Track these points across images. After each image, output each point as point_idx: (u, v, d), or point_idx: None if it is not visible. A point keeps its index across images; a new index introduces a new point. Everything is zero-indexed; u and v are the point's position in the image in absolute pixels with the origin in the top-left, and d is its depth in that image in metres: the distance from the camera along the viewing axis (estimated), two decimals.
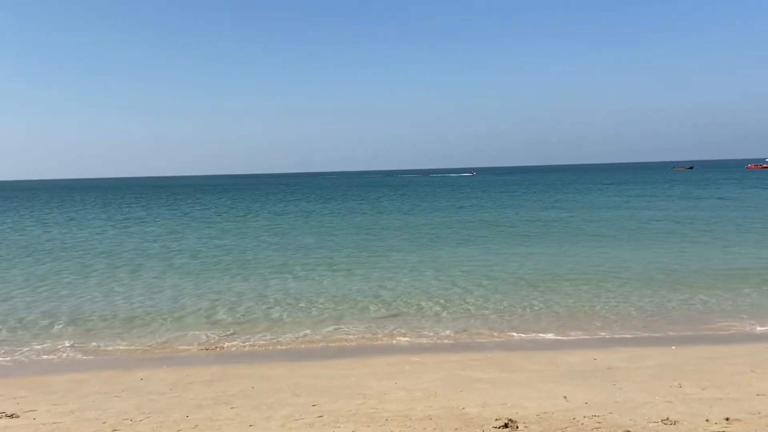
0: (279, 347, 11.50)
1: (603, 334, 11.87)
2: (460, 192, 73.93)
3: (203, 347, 11.52)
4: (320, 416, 7.09)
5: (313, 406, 7.54)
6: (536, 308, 13.77)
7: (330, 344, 11.62)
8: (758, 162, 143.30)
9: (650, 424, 6.44)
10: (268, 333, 12.34)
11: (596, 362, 9.63)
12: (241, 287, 16.76)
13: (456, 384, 8.45)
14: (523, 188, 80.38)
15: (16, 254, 24.83)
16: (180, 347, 11.59)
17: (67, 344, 11.70)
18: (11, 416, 7.42)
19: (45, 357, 11.05)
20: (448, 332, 12.13)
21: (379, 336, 12.05)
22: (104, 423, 7.11)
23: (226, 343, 11.71)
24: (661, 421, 6.52)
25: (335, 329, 12.50)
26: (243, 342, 11.79)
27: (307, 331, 12.36)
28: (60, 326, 13.00)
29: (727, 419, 6.51)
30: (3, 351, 11.36)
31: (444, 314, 13.51)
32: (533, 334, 11.88)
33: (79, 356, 11.09)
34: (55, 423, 7.17)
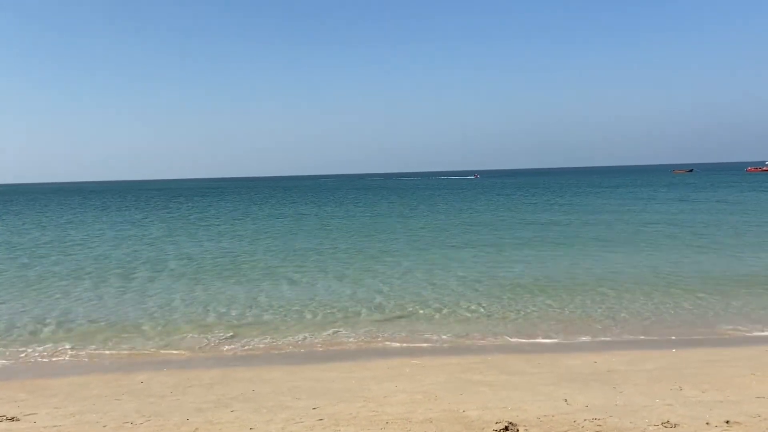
0: (278, 350, 11.50)
1: (603, 337, 11.88)
2: (461, 195, 73.96)
3: (203, 350, 11.52)
4: (320, 419, 7.10)
5: (314, 409, 7.54)
6: (536, 311, 13.78)
7: (329, 347, 11.63)
8: (758, 165, 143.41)
9: (650, 427, 6.45)
10: (267, 336, 12.35)
11: (596, 365, 9.64)
12: (240, 290, 16.76)
13: (456, 387, 8.45)
14: (522, 191, 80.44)
15: (15, 257, 24.80)
16: (180, 350, 11.59)
17: (68, 347, 11.70)
18: (12, 419, 7.42)
19: (45, 360, 11.05)
20: (447, 335, 12.15)
21: (379, 339, 12.05)
22: (105, 426, 7.12)
23: (226, 347, 11.72)
24: (662, 424, 6.53)
25: (334, 332, 12.51)
26: (243, 345, 11.80)
27: (306, 334, 12.37)
28: (60, 329, 12.99)
29: (727, 422, 6.52)
30: (3, 354, 11.35)
31: (443, 317, 13.52)
32: (533, 337, 11.90)
33: (79, 359, 11.08)
34: (55, 426, 7.17)
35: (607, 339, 11.72)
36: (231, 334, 12.50)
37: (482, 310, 14.01)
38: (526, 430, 6.45)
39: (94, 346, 11.77)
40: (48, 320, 13.78)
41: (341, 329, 12.74)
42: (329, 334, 12.37)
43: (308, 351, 11.43)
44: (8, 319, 14.02)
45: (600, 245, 24.08)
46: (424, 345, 11.59)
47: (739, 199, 50.36)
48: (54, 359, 11.09)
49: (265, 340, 12.06)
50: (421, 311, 14.01)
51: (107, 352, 11.50)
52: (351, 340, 12.05)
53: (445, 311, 13.97)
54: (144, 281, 18.47)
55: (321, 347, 11.64)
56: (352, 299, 15.37)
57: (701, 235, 26.56)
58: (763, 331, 11.96)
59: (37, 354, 11.35)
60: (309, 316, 13.88)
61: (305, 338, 12.15)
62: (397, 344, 11.69)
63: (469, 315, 13.64)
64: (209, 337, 12.30)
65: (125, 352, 11.51)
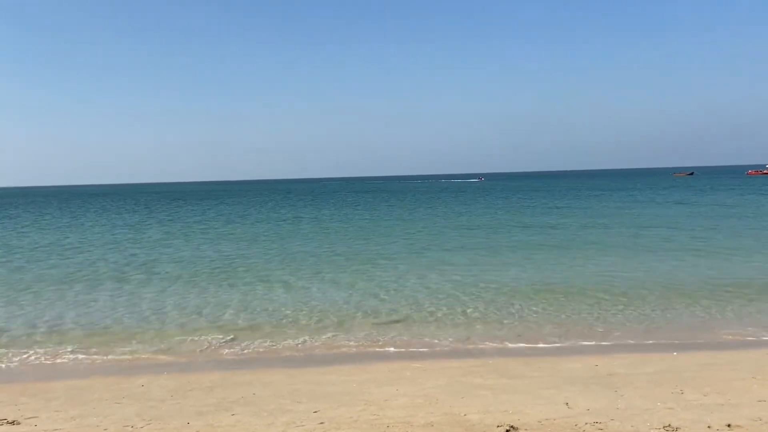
0: (278, 354, 11.50)
1: (603, 340, 11.87)
2: (461, 197, 73.97)
3: (203, 354, 11.51)
4: (321, 423, 7.09)
5: (314, 412, 7.54)
6: (535, 315, 13.77)
7: (329, 350, 11.62)
8: (759, 168, 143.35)
9: (652, 431, 6.45)
10: (267, 339, 12.33)
11: (597, 368, 9.63)
12: (239, 294, 16.74)
13: (457, 390, 8.45)
14: (521, 193, 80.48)
15: (14, 260, 24.80)
16: (180, 354, 11.58)
17: (68, 350, 11.69)
18: (12, 423, 7.41)
19: (46, 363, 11.04)
20: (448, 339, 12.13)
21: (379, 342, 12.04)
22: (105, 430, 7.12)
23: (226, 350, 11.71)
24: (663, 427, 6.53)
25: (334, 336, 12.50)
26: (242, 348, 11.79)
27: (306, 338, 12.36)
28: (60, 332, 12.98)
29: (728, 425, 6.52)
30: (4, 357, 11.34)
31: (444, 320, 13.51)
32: (534, 341, 11.89)
33: (80, 362, 11.07)
34: (56, 430, 7.17)
35: (608, 342, 11.72)
36: (231, 337, 12.49)
37: (482, 313, 13.99)
38: None
39: (94, 350, 11.76)
40: (48, 323, 13.77)
41: (341, 332, 12.73)
42: (329, 338, 12.36)
43: (308, 354, 11.42)
44: (8, 321, 14.01)
45: (599, 249, 24.07)
46: (425, 348, 11.57)
47: (739, 202, 50.37)
48: (54, 362, 11.08)
49: (265, 344, 12.05)
50: (421, 315, 14.00)
51: (108, 356, 11.49)
52: (351, 343, 12.04)
53: (444, 315, 13.95)
54: (143, 285, 18.46)
55: (321, 350, 11.63)
56: (350, 303, 15.36)
57: (701, 238, 26.55)
58: (763, 334, 11.95)
59: (37, 357, 11.34)
60: (308, 319, 13.87)
61: (305, 341, 12.15)
62: (398, 348, 11.68)
63: (468, 318, 13.63)
64: (209, 340, 12.29)
65: (126, 355, 11.49)
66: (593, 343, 11.72)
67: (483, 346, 11.65)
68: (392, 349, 11.63)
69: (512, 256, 22.49)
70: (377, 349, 11.62)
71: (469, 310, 14.24)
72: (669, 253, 22.23)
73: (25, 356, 11.41)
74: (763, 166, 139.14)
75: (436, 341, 12.00)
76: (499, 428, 6.61)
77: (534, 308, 14.28)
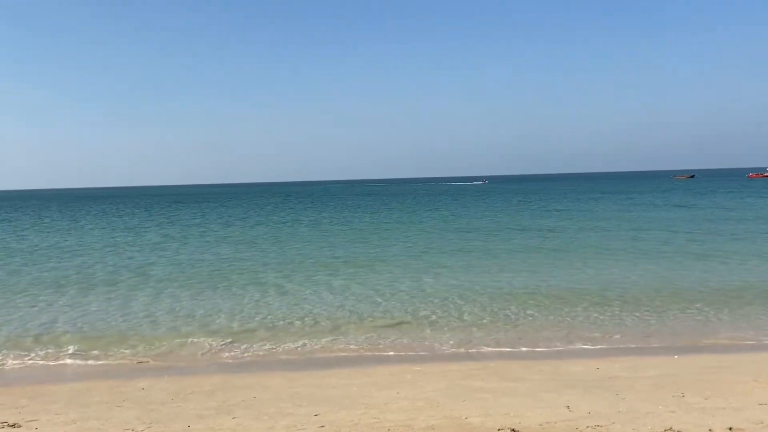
0: (278, 357, 11.49)
1: (604, 343, 11.87)
2: (461, 200, 73.97)
3: (203, 357, 11.51)
4: (322, 426, 7.08)
5: (315, 416, 7.53)
6: (536, 318, 13.77)
7: (329, 354, 11.62)
8: (759, 171, 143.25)
9: None
10: (267, 343, 12.32)
11: (598, 372, 9.62)
12: (239, 297, 16.74)
13: (458, 393, 8.44)
14: (521, 196, 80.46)
15: (14, 263, 24.79)
16: (180, 357, 11.57)
17: (69, 354, 11.69)
18: (13, 426, 7.40)
19: (47, 366, 11.04)
20: (448, 342, 12.13)
21: (380, 346, 12.04)
22: None
23: (226, 353, 11.70)
24: (665, 430, 6.52)
25: (334, 339, 12.49)
26: (242, 352, 11.78)
27: (306, 341, 12.35)
28: (61, 336, 12.97)
29: (730, 429, 6.51)
30: (4, 360, 11.34)
31: (444, 324, 13.49)
32: (534, 344, 11.87)
33: (80, 366, 11.07)
34: None
35: (609, 346, 11.71)
36: (231, 340, 12.48)
37: (482, 316, 13.99)
38: None
39: (95, 353, 11.76)
40: (48, 326, 13.76)
41: (341, 336, 12.72)
42: (329, 341, 12.35)
43: (308, 357, 11.41)
44: (8, 324, 14.00)
45: (598, 252, 24.06)
46: (425, 352, 11.57)
47: (739, 205, 50.38)
48: (55, 365, 11.08)
49: (265, 347, 12.04)
50: (421, 318, 13.99)
51: (108, 359, 11.48)
52: (351, 346, 12.03)
53: (445, 318, 13.94)
54: (141, 288, 18.44)
55: (321, 354, 11.63)
56: (350, 306, 15.35)
57: (701, 242, 26.55)
58: (764, 338, 11.94)
59: (38, 360, 11.34)
60: (308, 322, 13.87)
61: (305, 345, 12.14)
62: (398, 351, 11.68)
63: (468, 322, 13.62)
64: (209, 343, 12.27)
65: (126, 359, 11.49)
66: (594, 346, 11.71)
67: (483, 350, 11.64)
68: (392, 352, 11.62)
69: (511, 260, 22.48)
70: (377, 353, 11.62)
71: (468, 314, 14.23)
72: (668, 257, 22.22)
73: (25, 359, 11.41)
74: (764, 169, 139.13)
75: (437, 344, 11.99)
76: (500, 431, 6.60)
77: (534, 311, 14.27)
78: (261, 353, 11.70)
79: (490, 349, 11.68)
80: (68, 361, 11.32)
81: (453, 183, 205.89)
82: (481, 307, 14.75)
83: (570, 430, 6.62)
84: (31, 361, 11.29)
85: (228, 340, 12.45)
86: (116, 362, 11.27)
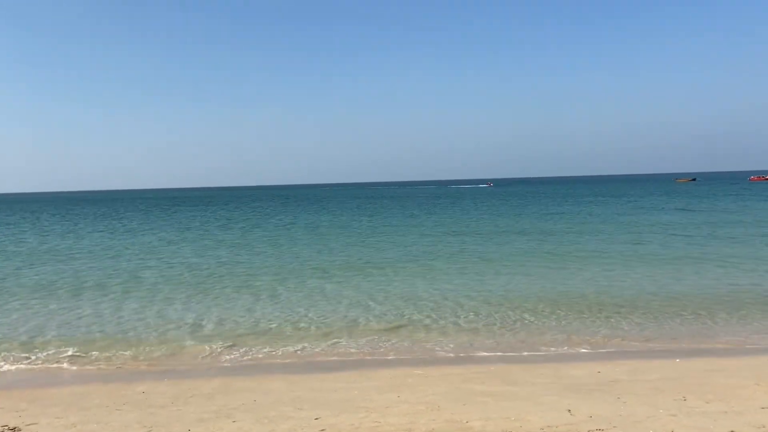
0: (279, 360, 11.46)
1: (605, 347, 11.84)
2: (461, 203, 73.94)
3: (203, 360, 11.48)
4: (322, 429, 7.07)
5: (316, 419, 7.51)
6: (536, 322, 13.75)
7: (330, 357, 11.59)
8: (761, 174, 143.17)
9: None
10: (267, 346, 12.31)
11: (599, 375, 9.60)
12: (238, 300, 16.73)
13: (459, 397, 8.42)
14: (520, 198, 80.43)
15: (14, 266, 24.77)
16: (180, 360, 11.55)
17: (68, 357, 11.66)
18: (13, 429, 7.39)
19: (46, 370, 11.01)
20: (449, 345, 12.11)
21: (381, 349, 12.02)
22: None
23: (226, 357, 11.68)
24: None
25: (334, 342, 12.47)
26: (242, 355, 11.76)
27: (306, 344, 12.34)
28: (60, 339, 12.95)
29: None
30: (4, 363, 11.32)
31: (444, 328, 13.48)
32: (535, 347, 11.85)
33: (80, 369, 11.04)
34: None
35: (610, 349, 11.68)
36: (231, 344, 12.46)
37: (483, 320, 13.97)
38: None
39: (94, 356, 11.74)
40: (48, 330, 13.75)
41: (341, 339, 12.70)
42: (329, 344, 12.33)
43: (309, 361, 11.39)
44: (8, 327, 13.99)
45: (599, 256, 24.04)
46: (426, 355, 11.55)
47: (741, 208, 50.35)
48: (55, 369, 11.05)
49: (265, 350, 12.03)
50: (422, 321, 13.97)
51: (108, 362, 11.46)
52: (352, 350, 12.01)
53: (446, 321, 13.93)
54: (141, 291, 18.44)
55: (321, 357, 11.60)
56: (350, 309, 15.33)
57: (701, 245, 26.53)
58: (764, 342, 11.92)
59: (37, 364, 11.32)
60: (308, 326, 13.85)
61: (305, 348, 12.12)
62: (399, 354, 11.65)
63: (470, 325, 13.60)
64: (209, 347, 12.26)
65: (126, 362, 11.46)
66: (595, 349, 11.68)
67: (484, 353, 11.62)
68: (393, 356, 11.60)
69: (512, 263, 22.46)
70: (378, 356, 11.59)
71: (470, 317, 14.21)
72: (669, 260, 22.19)
73: (25, 363, 11.39)
74: (766, 172, 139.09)
75: (438, 348, 11.97)
76: None
77: (535, 315, 14.25)
78: (261, 356, 11.68)
79: (490, 352, 11.66)
80: (67, 364, 11.29)
81: (458, 186, 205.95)
82: (482, 311, 14.73)
83: None
84: (30, 365, 11.27)
85: (228, 344, 12.43)
86: (116, 366, 11.25)
